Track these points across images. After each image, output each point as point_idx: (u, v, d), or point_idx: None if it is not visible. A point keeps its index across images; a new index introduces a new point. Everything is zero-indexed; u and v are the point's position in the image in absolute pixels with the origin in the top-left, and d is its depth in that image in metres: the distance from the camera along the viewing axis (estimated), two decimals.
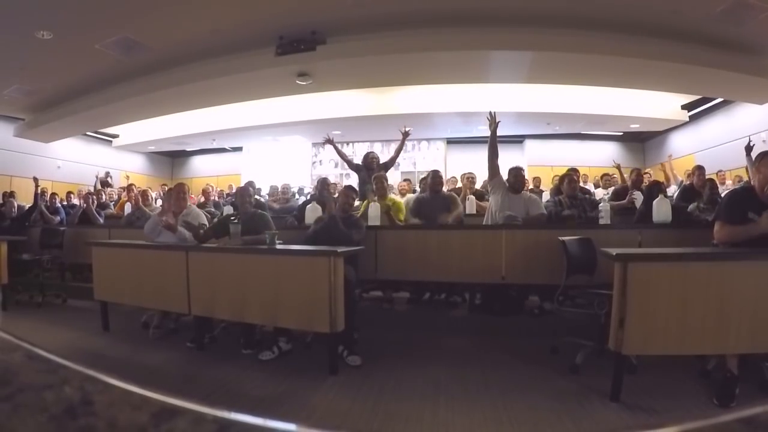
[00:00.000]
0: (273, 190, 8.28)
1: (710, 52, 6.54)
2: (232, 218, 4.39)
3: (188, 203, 5.03)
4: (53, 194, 8.12)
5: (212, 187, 10.13)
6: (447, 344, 4.16)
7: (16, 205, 6.97)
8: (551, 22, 6.22)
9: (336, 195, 5.53)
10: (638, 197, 5.67)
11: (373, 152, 7.24)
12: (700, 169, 6.19)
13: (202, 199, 8.68)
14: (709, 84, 7.89)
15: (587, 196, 5.55)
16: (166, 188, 10.21)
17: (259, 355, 3.74)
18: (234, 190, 9.32)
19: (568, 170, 5.64)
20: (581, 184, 6.78)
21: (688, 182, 6.81)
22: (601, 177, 9.19)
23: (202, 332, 4.09)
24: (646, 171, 10.30)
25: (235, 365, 3.63)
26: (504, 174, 5.19)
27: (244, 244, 4.10)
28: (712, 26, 5.99)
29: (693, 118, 10.87)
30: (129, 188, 7.88)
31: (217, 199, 8.73)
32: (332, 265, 3.37)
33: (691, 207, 5.19)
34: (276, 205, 7.16)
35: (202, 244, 4.26)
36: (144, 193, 7.20)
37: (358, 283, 4.18)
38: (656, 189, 5.50)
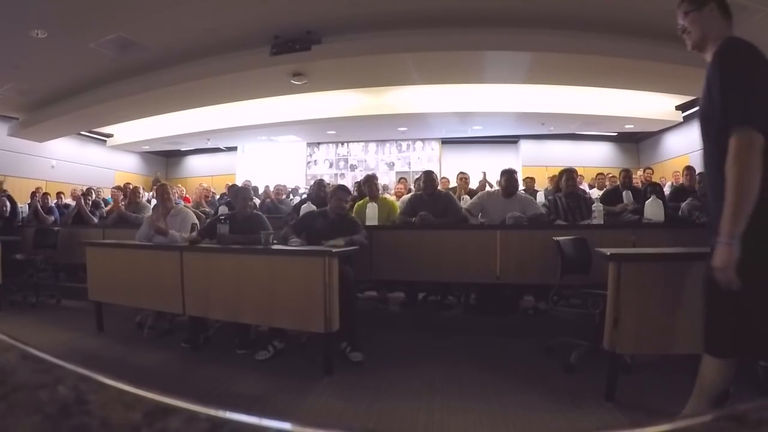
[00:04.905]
0: (277, 189, 8.21)
1: None
2: (221, 218, 4.39)
3: (174, 203, 4.97)
4: (45, 194, 8.09)
5: (210, 187, 10.15)
6: (442, 344, 4.17)
7: (8, 204, 6.91)
8: (546, 22, 6.23)
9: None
10: (628, 198, 5.69)
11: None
12: (689, 169, 6.24)
13: (198, 198, 8.67)
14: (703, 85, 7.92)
15: (586, 195, 5.53)
16: (155, 188, 10.21)
17: (255, 355, 3.74)
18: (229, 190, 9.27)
19: (565, 169, 5.61)
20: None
21: (678, 183, 6.89)
22: (596, 177, 9.23)
23: (196, 332, 4.09)
24: (648, 167, 10.33)
25: (230, 365, 3.63)
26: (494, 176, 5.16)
27: (233, 242, 4.10)
28: None
29: (687, 119, 10.87)
30: (125, 191, 7.85)
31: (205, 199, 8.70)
32: (327, 265, 3.37)
33: (684, 205, 5.21)
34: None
35: (197, 245, 4.26)
36: (134, 191, 7.18)
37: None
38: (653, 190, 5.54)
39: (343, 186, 4.92)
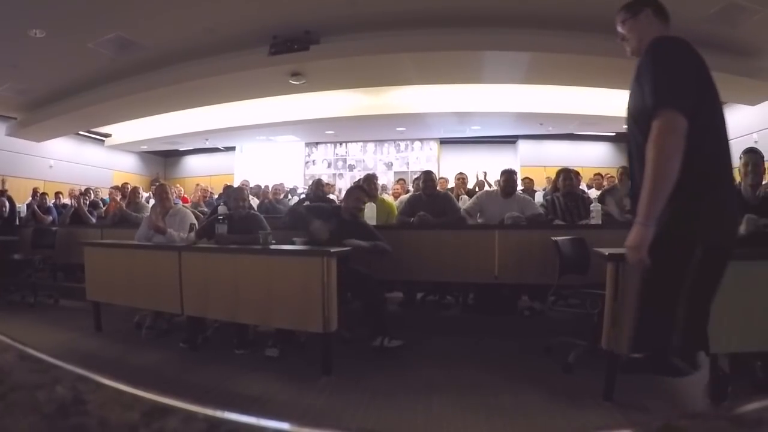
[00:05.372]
0: (275, 189, 8.23)
1: (703, 54, 6.52)
2: (219, 218, 4.38)
3: (173, 202, 4.98)
4: (43, 194, 8.08)
5: (208, 187, 10.14)
6: (440, 344, 4.17)
7: (7, 204, 6.90)
8: (545, 23, 6.23)
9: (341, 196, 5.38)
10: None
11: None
12: None
13: (197, 198, 8.67)
14: None
15: (585, 195, 5.53)
16: (154, 188, 10.22)
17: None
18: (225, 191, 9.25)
19: (562, 169, 5.61)
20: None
21: None
22: (593, 177, 9.22)
23: (195, 332, 4.08)
24: None
25: (229, 365, 3.62)
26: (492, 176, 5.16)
27: (232, 242, 4.10)
28: (705, 28, 6.00)
29: None
30: (123, 191, 7.86)
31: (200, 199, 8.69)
32: (325, 264, 3.37)
33: None
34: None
35: (195, 245, 4.25)
36: (134, 191, 7.18)
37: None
38: None
39: (361, 186, 4.88)
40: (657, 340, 1.76)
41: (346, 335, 3.99)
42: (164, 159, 16.44)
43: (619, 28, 2.06)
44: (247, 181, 10.51)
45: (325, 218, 4.23)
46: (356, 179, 11.10)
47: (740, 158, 3.27)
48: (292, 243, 4.05)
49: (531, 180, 8.89)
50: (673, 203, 1.64)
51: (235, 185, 8.50)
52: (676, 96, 1.67)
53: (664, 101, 1.67)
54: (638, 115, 1.84)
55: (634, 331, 1.85)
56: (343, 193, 11.02)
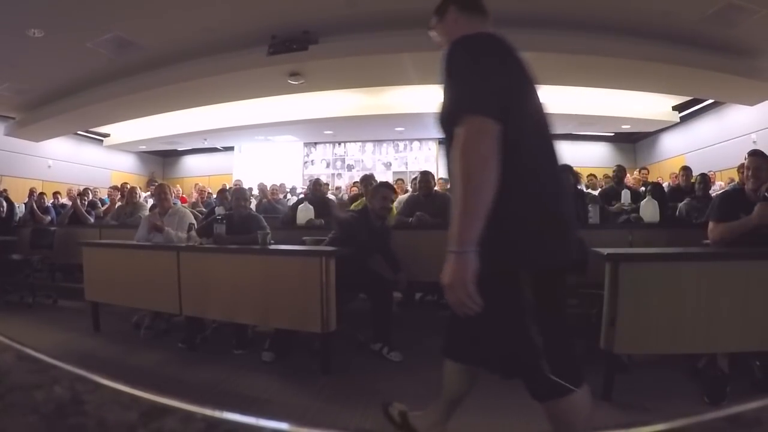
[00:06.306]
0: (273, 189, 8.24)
1: (702, 54, 6.57)
2: (218, 218, 4.37)
3: (171, 203, 4.98)
4: (42, 194, 8.07)
5: (206, 187, 10.14)
6: (438, 345, 4.15)
7: (5, 204, 6.88)
8: (543, 23, 6.23)
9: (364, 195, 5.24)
10: (625, 197, 5.69)
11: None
12: (685, 169, 6.28)
13: (195, 197, 8.68)
14: (700, 85, 7.95)
15: (588, 191, 5.53)
16: (153, 188, 10.23)
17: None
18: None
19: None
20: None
21: (675, 183, 6.93)
22: (587, 177, 9.22)
23: (193, 333, 4.07)
24: (644, 167, 10.33)
25: (227, 365, 3.61)
26: None
27: (230, 243, 4.09)
28: (704, 28, 6.03)
29: (684, 119, 10.93)
30: (122, 191, 7.86)
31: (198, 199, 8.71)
32: (324, 265, 3.36)
33: (681, 205, 5.23)
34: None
35: (200, 244, 4.25)
36: (132, 191, 7.17)
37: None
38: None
39: (386, 182, 4.76)
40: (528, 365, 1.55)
41: (362, 338, 3.98)
42: (163, 159, 16.44)
43: (431, 34, 1.83)
44: (240, 181, 10.51)
45: (356, 233, 4.01)
46: (355, 179, 11.12)
47: (745, 159, 3.26)
48: (303, 242, 4.05)
49: None
50: (490, 226, 1.35)
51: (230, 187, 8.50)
52: (481, 101, 1.40)
53: (467, 107, 1.42)
54: (448, 126, 1.56)
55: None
56: (342, 191, 11.04)
